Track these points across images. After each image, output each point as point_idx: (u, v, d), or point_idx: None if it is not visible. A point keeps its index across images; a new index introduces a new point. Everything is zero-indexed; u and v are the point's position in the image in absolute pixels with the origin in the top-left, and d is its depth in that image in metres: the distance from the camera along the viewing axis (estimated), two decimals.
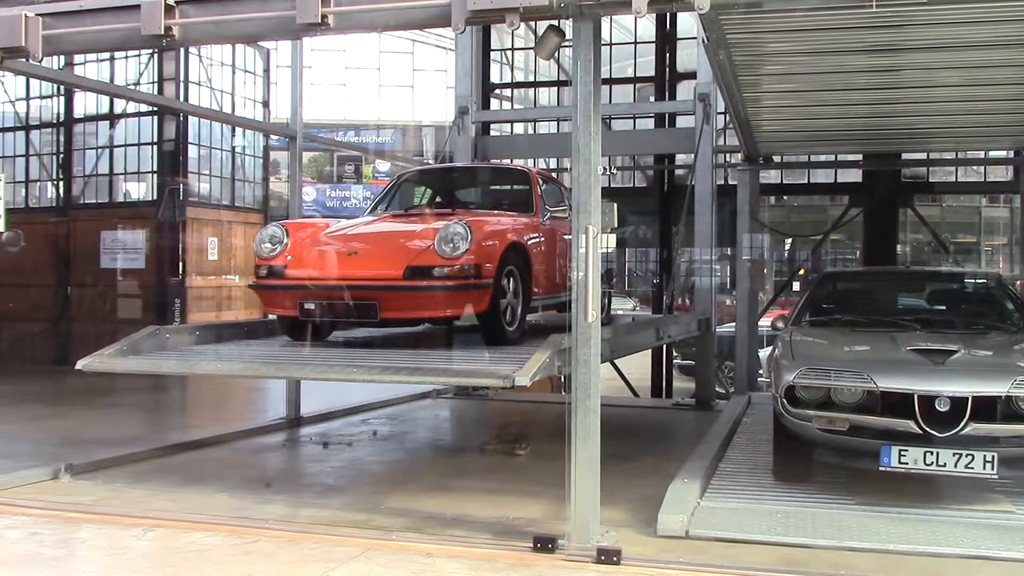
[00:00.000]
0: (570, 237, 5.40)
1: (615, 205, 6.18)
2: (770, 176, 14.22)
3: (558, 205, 8.35)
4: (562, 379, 5.49)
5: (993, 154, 12.99)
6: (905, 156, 12.86)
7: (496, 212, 7.81)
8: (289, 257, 6.86)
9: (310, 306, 6.66)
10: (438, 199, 8.77)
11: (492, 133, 13.67)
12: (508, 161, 13.84)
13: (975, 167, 15.01)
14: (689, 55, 13.28)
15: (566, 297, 5.26)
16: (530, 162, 14.55)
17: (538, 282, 7.39)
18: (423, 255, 6.51)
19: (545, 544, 5.08)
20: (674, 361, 14.57)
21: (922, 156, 13.00)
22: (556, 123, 15.04)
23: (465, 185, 9.30)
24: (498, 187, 8.71)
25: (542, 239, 7.61)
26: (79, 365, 6.41)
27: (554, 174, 14.67)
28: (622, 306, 21.43)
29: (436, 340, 7.53)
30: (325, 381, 6.23)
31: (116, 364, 6.52)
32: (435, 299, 6.46)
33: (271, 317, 7.59)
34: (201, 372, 6.70)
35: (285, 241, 6.92)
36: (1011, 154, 11.82)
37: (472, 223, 6.58)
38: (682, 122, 12.83)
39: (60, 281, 16.66)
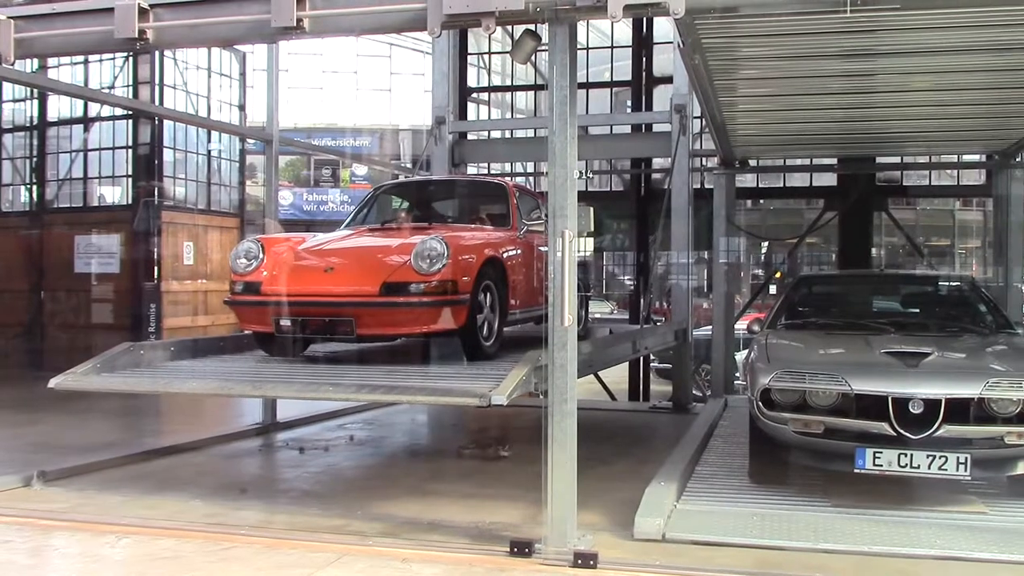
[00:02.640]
0: (547, 249, 5.38)
1: (591, 209, 6.18)
2: (746, 180, 14.25)
3: (533, 215, 8.33)
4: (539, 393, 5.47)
5: (966, 158, 13.11)
6: (879, 160, 12.97)
7: (473, 226, 7.78)
8: (265, 273, 6.80)
9: (286, 323, 6.61)
10: (415, 212, 8.73)
11: (469, 137, 13.65)
12: (485, 167, 13.83)
13: (949, 171, 15.13)
14: (666, 59, 13.33)
15: (543, 310, 5.25)
16: (506, 167, 14.55)
17: (515, 295, 7.36)
18: (399, 271, 6.49)
19: (522, 548, 5.07)
20: (651, 364, 14.59)
21: (896, 160, 13.10)
22: (533, 128, 15.03)
23: (442, 198, 9.25)
24: (475, 201, 8.66)
25: (519, 253, 7.60)
26: (52, 384, 6.31)
27: (531, 179, 14.71)
28: (600, 309, 21.50)
29: (413, 355, 7.47)
30: (302, 400, 6.15)
31: (90, 382, 6.44)
32: (412, 315, 6.43)
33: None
34: (176, 391, 6.66)
35: (261, 256, 6.85)
36: (984, 158, 11.93)
37: (449, 238, 6.56)
38: (658, 126, 12.86)
39: (33, 287, 16.47)
